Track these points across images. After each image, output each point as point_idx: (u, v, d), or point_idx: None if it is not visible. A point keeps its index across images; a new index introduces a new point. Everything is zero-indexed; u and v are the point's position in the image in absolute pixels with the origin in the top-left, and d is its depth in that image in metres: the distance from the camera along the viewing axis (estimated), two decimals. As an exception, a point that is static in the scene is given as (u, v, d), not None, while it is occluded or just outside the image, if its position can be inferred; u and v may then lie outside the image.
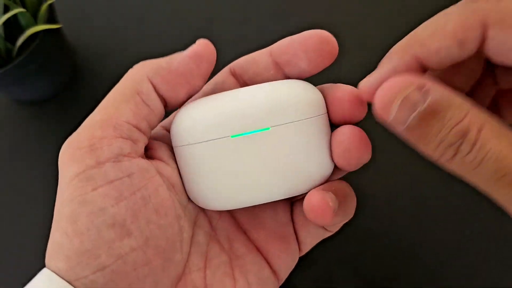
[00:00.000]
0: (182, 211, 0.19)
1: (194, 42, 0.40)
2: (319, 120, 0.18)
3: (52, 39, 0.34)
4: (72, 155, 0.17)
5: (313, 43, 0.19)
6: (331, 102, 0.19)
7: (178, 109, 0.20)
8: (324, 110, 0.19)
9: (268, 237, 0.21)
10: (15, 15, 0.32)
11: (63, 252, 0.16)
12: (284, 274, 0.22)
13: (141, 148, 0.18)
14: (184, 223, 0.19)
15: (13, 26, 0.33)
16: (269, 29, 0.41)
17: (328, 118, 0.19)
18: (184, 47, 0.42)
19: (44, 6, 0.32)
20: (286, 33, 0.40)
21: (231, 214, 0.21)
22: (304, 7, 0.42)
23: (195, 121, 0.18)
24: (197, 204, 0.20)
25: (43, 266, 0.18)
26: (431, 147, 0.15)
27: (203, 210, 0.21)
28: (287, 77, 0.20)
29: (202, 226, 0.20)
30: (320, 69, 0.20)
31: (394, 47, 0.17)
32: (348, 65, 0.39)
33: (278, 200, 0.21)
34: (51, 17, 0.34)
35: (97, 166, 0.17)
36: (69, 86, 0.40)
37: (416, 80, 0.15)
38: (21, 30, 0.33)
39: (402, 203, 0.33)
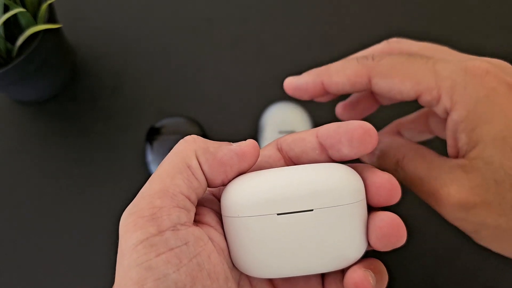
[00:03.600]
0: (230, 273, 0.21)
1: (194, 42, 0.41)
2: (359, 205, 0.20)
3: (52, 39, 0.34)
4: (135, 222, 0.19)
5: (357, 134, 0.21)
6: (369, 187, 0.21)
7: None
8: (363, 196, 0.21)
9: None
10: (15, 15, 0.32)
11: None
12: None
13: (192, 217, 0.20)
14: (231, 285, 0.21)
15: (13, 26, 0.33)
16: (269, 29, 0.41)
17: (366, 203, 0.21)
18: (184, 47, 0.43)
19: (44, 6, 0.32)
20: (287, 33, 0.40)
21: (270, 279, 0.23)
22: (304, 7, 0.42)
23: (245, 197, 0.20)
24: (240, 270, 0.21)
25: None
26: (387, 170, 0.22)
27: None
28: (330, 158, 0.23)
29: (244, 286, 0.22)
30: (359, 156, 0.22)
31: (314, 69, 0.25)
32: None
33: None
34: (51, 17, 0.34)
35: (158, 234, 0.18)
36: (69, 86, 0.40)
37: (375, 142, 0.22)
38: (21, 30, 0.33)
39: (402, 204, 0.33)
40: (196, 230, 0.20)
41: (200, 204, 0.22)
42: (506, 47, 0.39)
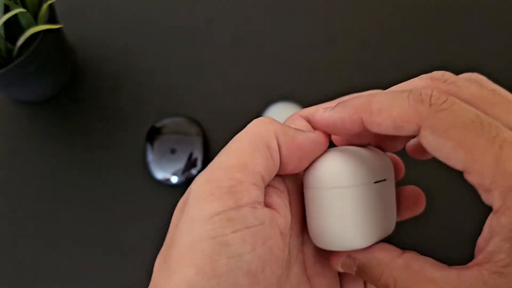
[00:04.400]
0: (287, 259, 0.20)
1: (193, 42, 0.41)
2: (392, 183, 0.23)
3: (52, 39, 0.34)
4: (212, 191, 0.18)
5: None
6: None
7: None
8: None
9: (327, 285, 0.23)
10: (15, 15, 0.32)
11: None
12: None
13: (263, 198, 0.19)
14: (289, 273, 0.21)
15: (14, 26, 0.33)
16: (269, 29, 0.41)
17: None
18: (184, 47, 0.42)
19: (44, 6, 0.32)
20: (287, 33, 0.41)
21: (303, 257, 0.23)
22: (304, 7, 0.42)
23: (344, 167, 0.20)
24: (320, 244, 0.21)
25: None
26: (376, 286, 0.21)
27: (289, 251, 0.22)
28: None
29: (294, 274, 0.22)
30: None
31: (351, 100, 0.21)
32: (349, 66, 0.39)
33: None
34: (51, 17, 0.34)
35: (236, 208, 0.17)
36: (69, 86, 0.40)
37: (347, 252, 0.21)
38: (22, 30, 0.33)
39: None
40: (269, 212, 0.19)
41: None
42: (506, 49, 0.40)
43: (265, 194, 0.20)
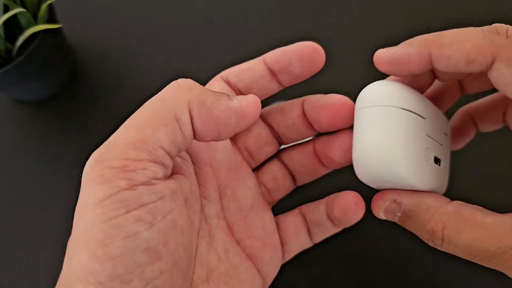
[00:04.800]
0: (193, 223, 0.19)
1: (194, 42, 0.40)
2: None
3: (52, 39, 0.34)
4: (102, 173, 0.17)
5: (306, 53, 0.22)
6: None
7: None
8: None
9: (260, 246, 0.22)
10: (15, 15, 0.32)
11: (94, 276, 0.16)
12: (270, 280, 0.23)
13: (169, 172, 0.18)
14: (194, 238, 0.20)
15: (13, 26, 0.33)
16: (269, 29, 0.41)
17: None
18: (184, 47, 0.42)
19: (44, 6, 0.32)
20: (287, 33, 0.40)
21: (227, 222, 0.22)
22: (304, 7, 0.42)
23: (388, 89, 0.21)
24: (362, 161, 0.21)
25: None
26: (419, 236, 0.20)
27: (205, 219, 0.21)
28: (280, 83, 0.23)
29: (204, 237, 0.21)
30: (310, 75, 0.22)
31: (418, 37, 0.20)
32: (350, 66, 0.39)
33: (265, 211, 0.24)
34: (51, 17, 0.34)
35: (130, 188, 0.16)
36: (69, 86, 0.40)
37: (392, 195, 0.20)
38: (21, 30, 0.33)
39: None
40: (172, 183, 0.18)
41: None
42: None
43: (182, 164, 0.20)
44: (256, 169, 0.25)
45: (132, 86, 0.39)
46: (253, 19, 0.41)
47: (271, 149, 0.24)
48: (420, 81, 0.22)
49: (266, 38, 0.41)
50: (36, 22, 0.33)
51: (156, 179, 0.17)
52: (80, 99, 0.39)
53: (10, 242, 0.35)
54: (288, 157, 0.25)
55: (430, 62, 0.19)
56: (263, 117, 0.24)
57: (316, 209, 0.23)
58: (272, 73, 0.22)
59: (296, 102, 0.24)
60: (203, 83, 0.39)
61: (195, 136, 0.19)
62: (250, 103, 0.19)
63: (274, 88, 0.23)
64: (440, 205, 0.19)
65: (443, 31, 0.19)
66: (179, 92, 0.18)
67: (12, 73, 0.32)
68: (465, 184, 0.35)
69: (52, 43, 0.35)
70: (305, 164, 0.24)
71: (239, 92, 0.23)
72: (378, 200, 0.21)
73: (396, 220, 0.21)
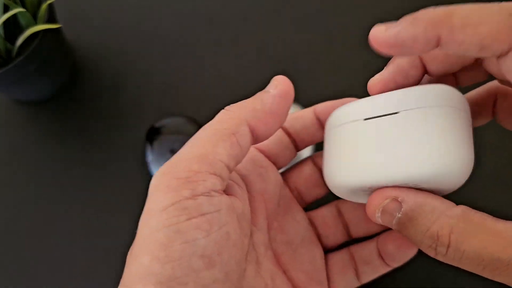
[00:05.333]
0: (244, 245, 0.21)
1: (194, 42, 0.40)
2: (450, 110, 0.19)
3: (51, 39, 0.34)
4: (168, 183, 0.18)
5: None
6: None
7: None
8: (455, 103, 0.19)
9: (306, 280, 0.23)
10: (15, 15, 0.32)
11: (154, 277, 0.17)
12: None
13: (225, 185, 0.20)
14: (248, 258, 0.21)
15: (13, 26, 0.33)
16: (269, 28, 0.41)
17: (464, 113, 0.19)
18: (184, 47, 0.42)
19: (44, 6, 0.32)
20: (287, 33, 0.40)
21: (274, 252, 0.23)
22: (304, 7, 0.42)
23: (339, 110, 0.21)
24: (333, 183, 0.21)
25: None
26: (417, 244, 0.18)
27: (253, 246, 0.22)
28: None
29: (251, 262, 0.22)
30: None
31: (424, 13, 0.17)
32: (349, 65, 0.39)
33: (316, 246, 0.24)
34: (50, 17, 0.34)
35: (192, 198, 0.18)
36: (69, 86, 0.40)
37: (393, 192, 0.18)
38: (21, 30, 0.33)
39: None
40: (228, 199, 0.19)
41: None
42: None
43: (233, 186, 0.21)
44: (310, 209, 0.27)
45: (131, 86, 0.39)
46: (253, 18, 0.41)
47: (320, 192, 0.26)
48: (410, 77, 0.21)
49: (266, 38, 0.41)
50: (36, 22, 0.33)
51: (214, 191, 0.19)
52: (80, 99, 0.39)
53: (10, 242, 0.35)
54: (345, 206, 0.26)
55: (437, 44, 0.17)
56: (314, 161, 0.26)
57: (366, 247, 0.24)
58: (320, 122, 0.24)
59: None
60: (203, 82, 0.39)
61: (259, 139, 0.21)
62: (282, 83, 0.21)
63: (320, 136, 0.25)
64: (447, 207, 0.17)
65: (455, 8, 0.17)
66: (231, 113, 0.21)
67: (12, 73, 0.32)
68: (465, 184, 0.35)
69: (52, 43, 0.35)
70: (362, 217, 0.25)
71: (291, 136, 0.25)
72: (376, 198, 0.19)
73: (393, 223, 0.19)
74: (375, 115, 0.20)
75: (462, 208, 0.17)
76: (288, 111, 0.21)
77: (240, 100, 0.38)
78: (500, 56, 0.16)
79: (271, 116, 0.20)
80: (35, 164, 0.37)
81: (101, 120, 0.38)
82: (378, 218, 0.19)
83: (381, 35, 0.18)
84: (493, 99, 0.22)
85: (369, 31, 0.41)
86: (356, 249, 0.24)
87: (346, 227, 0.26)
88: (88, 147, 0.38)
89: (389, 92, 0.20)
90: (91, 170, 0.37)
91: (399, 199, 0.18)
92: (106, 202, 0.36)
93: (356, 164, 0.20)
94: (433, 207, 0.17)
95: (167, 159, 0.36)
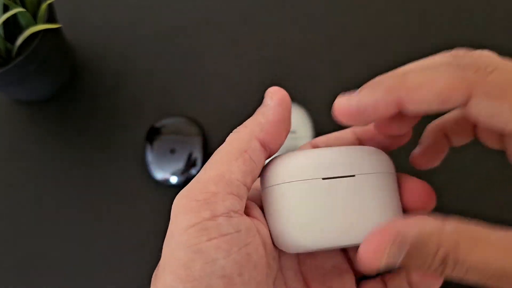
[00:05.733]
0: (269, 270, 0.21)
1: (194, 42, 0.40)
2: (394, 176, 0.21)
3: (51, 39, 0.34)
4: (188, 205, 0.19)
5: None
6: (405, 194, 0.22)
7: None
8: (394, 170, 0.22)
9: None
10: (14, 15, 0.32)
11: None
12: None
13: (244, 205, 0.20)
14: (270, 281, 0.21)
15: (13, 26, 0.33)
16: (269, 29, 0.41)
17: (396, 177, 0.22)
18: (184, 47, 0.42)
19: (44, 6, 0.32)
20: (287, 33, 0.40)
21: (304, 277, 0.23)
22: (304, 7, 0.41)
23: (292, 163, 0.21)
24: (280, 246, 0.21)
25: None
26: (423, 269, 0.17)
27: (281, 270, 0.22)
28: None
29: (279, 285, 0.22)
30: (396, 148, 0.23)
31: (380, 79, 0.19)
32: (349, 65, 0.39)
33: (347, 273, 0.23)
34: (50, 17, 0.34)
35: (212, 218, 0.18)
36: (69, 86, 0.40)
37: (397, 227, 0.18)
38: (21, 30, 0.33)
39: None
40: (248, 220, 0.20)
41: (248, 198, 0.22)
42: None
43: (249, 207, 0.21)
44: None
45: (131, 86, 0.39)
46: (253, 19, 0.41)
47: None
48: (435, 150, 0.23)
49: (266, 38, 0.41)
50: (36, 22, 0.33)
51: (234, 211, 0.19)
52: (80, 99, 0.39)
53: (10, 242, 0.35)
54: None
55: (398, 106, 0.18)
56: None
57: (397, 276, 0.23)
58: (360, 142, 0.23)
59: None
60: (203, 82, 0.39)
61: (272, 150, 0.21)
62: (277, 92, 0.22)
63: None
64: (441, 225, 0.17)
65: (406, 69, 0.18)
66: (239, 133, 0.21)
67: (12, 73, 0.32)
68: (465, 184, 0.35)
69: (52, 43, 0.35)
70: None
71: None
72: (383, 240, 0.18)
73: (399, 261, 0.17)
74: (333, 176, 0.20)
75: (452, 225, 0.17)
76: (290, 116, 0.22)
77: (239, 100, 0.38)
78: (461, 105, 0.17)
79: (276, 125, 0.21)
80: (35, 164, 0.37)
81: (101, 120, 0.38)
82: (383, 263, 0.18)
83: (343, 106, 0.19)
84: (470, 122, 0.23)
85: (369, 31, 0.41)
86: (389, 277, 0.23)
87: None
88: (88, 147, 0.38)
89: (339, 149, 0.21)
90: (91, 170, 0.37)
91: (402, 239, 0.18)
92: (106, 202, 0.36)
93: (320, 227, 0.20)
94: (430, 229, 0.17)
95: (167, 159, 0.36)
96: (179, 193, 0.20)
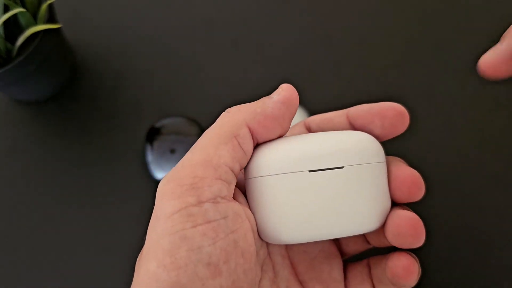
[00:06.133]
0: (257, 256, 0.20)
1: (194, 42, 0.40)
2: (383, 166, 0.21)
3: (52, 39, 0.34)
4: (173, 190, 0.18)
5: (390, 115, 0.21)
6: (393, 181, 0.21)
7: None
8: (385, 159, 0.21)
9: None
10: (15, 15, 0.32)
11: (159, 284, 0.17)
12: None
13: (233, 190, 0.20)
14: (258, 269, 0.20)
15: (13, 26, 0.33)
16: (269, 29, 0.41)
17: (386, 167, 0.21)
18: (184, 47, 0.42)
19: (44, 6, 0.32)
20: (287, 33, 0.40)
21: (291, 262, 0.23)
22: (304, 7, 0.42)
23: (278, 154, 0.20)
24: (265, 238, 0.21)
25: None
26: None
27: (269, 255, 0.22)
28: None
29: (267, 271, 0.21)
30: (390, 137, 0.22)
31: None
32: (349, 66, 0.39)
33: (334, 257, 0.23)
34: (51, 17, 0.34)
35: (197, 204, 0.18)
36: (69, 86, 0.40)
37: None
38: (21, 30, 0.33)
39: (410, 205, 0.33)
40: (236, 205, 0.19)
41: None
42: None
43: (238, 195, 0.21)
44: None
45: (132, 86, 0.39)
46: (253, 19, 0.41)
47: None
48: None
49: (266, 38, 0.41)
50: (36, 22, 0.33)
51: (221, 197, 0.18)
52: (80, 99, 0.39)
53: (10, 242, 0.35)
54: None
55: None
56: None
57: (379, 265, 0.22)
58: (352, 127, 0.23)
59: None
60: (203, 83, 0.39)
61: (258, 142, 0.21)
62: (287, 90, 0.21)
63: None
64: None
65: None
66: (231, 116, 0.20)
67: (12, 73, 0.32)
68: (465, 184, 0.35)
69: (52, 43, 0.35)
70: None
71: None
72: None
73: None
74: (319, 168, 0.20)
75: None
76: (291, 118, 0.21)
77: (239, 100, 0.38)
78: None
79: (271, 120, 0.20)
80: (35, 164, 0.37)
81: (101, 120, 0.38)
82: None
83: (489, 58, 0.19)
84: None
85: (368, 32, 0.41)
86: (374, 262, 0.23)
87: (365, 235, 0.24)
88: (88, 147, 0.38)
89: (328, 138, 0.20)
90: (91, 169, 0.37)
91: None
92: (106, 202, 0.36)
93: (307, 220, 0.20)
94: None
95: (167, 159, 0.36)
96: (164, 177, 0.19)
